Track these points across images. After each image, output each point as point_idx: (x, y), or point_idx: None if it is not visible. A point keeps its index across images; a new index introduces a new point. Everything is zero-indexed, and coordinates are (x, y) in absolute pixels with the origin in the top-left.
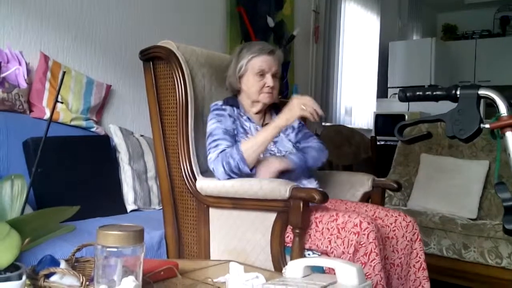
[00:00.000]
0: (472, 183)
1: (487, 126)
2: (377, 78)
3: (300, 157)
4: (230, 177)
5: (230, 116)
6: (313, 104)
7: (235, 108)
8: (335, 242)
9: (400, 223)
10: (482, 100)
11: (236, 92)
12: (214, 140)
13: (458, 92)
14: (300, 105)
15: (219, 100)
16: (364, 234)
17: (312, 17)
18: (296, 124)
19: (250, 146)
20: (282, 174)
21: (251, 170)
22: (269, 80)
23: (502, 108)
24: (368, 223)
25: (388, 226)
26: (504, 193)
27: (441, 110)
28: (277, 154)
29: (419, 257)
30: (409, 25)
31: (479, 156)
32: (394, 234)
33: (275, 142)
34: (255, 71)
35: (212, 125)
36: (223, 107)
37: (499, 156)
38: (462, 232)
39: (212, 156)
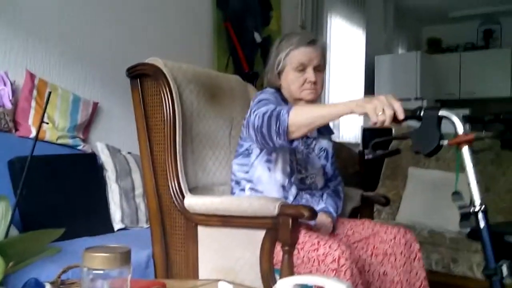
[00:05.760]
0: None
1: (446, 142)
2: (364, 92)
3: (335, 208)
4: (263, 119)
5: None
6: (399, 112)
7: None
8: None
9: (400, 239)
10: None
11: (277, 89)
12: (267, 103)
13: (422, 113)
14: (384, 105)
15: (207, 114)
16: (341, 271)
17: None
18: (331, 152)
19: (304, 109)
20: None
21: (289, 139)
22: (310, 75)
23: (459, 127)
24: (346, 259)
25: (388, 243)
26: (460, 201)
27: None
28: (303, 172)
29: (419, 276)
30: (395, 39)
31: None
32: (393, 251)
33: (306, 161)
34: (294, 66)
35: (266, 96)
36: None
37: (458, 167)
38: (451, 246)
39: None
